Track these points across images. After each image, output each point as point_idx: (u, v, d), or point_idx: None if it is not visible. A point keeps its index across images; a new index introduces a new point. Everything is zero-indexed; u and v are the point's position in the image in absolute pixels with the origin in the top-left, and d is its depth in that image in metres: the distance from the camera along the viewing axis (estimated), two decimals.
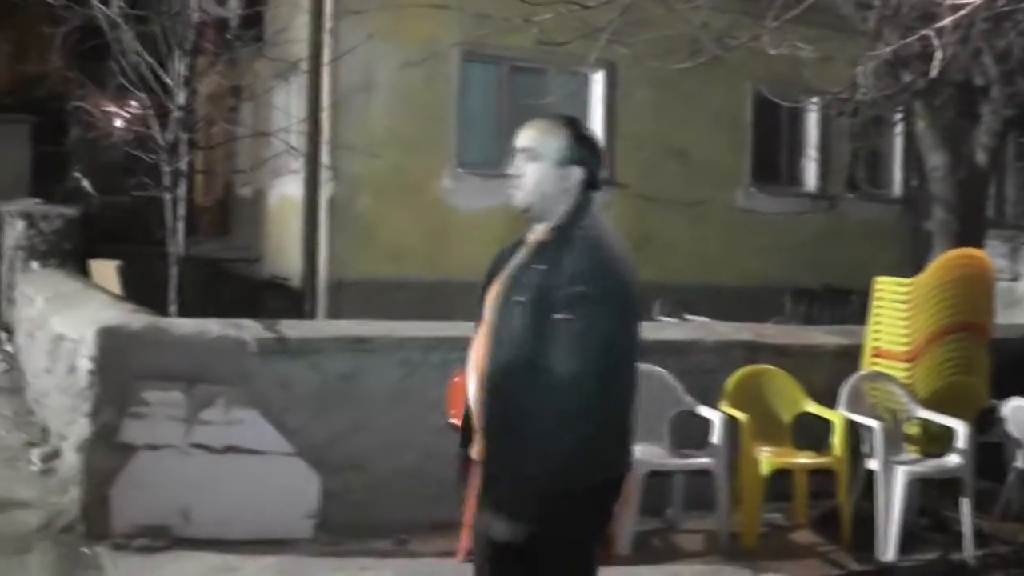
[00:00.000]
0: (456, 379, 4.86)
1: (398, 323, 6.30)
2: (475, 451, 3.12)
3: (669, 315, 10.23)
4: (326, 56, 10.33)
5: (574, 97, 11.27)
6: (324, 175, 10.51)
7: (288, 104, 11.74)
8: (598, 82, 11.73)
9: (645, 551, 5.77)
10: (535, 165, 3.13)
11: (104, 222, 13.68)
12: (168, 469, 5.38)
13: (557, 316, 2.92)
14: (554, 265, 2.99)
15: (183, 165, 7.78)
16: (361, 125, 10.64)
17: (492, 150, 11.29)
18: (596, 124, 11.76)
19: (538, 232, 3.16)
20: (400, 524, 5.63)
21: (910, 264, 12.80)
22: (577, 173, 3.13)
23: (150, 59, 7.82)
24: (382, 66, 10.64)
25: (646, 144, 11.82)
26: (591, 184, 3.17)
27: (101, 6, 7.67)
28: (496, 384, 3.01)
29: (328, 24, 10.29)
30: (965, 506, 6.08)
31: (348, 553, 5.40)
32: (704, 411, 6.13)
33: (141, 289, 8.48)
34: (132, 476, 5.34)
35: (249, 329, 5.67)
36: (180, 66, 7.73)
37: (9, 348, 9.66)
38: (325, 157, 10.49)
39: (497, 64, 11.41)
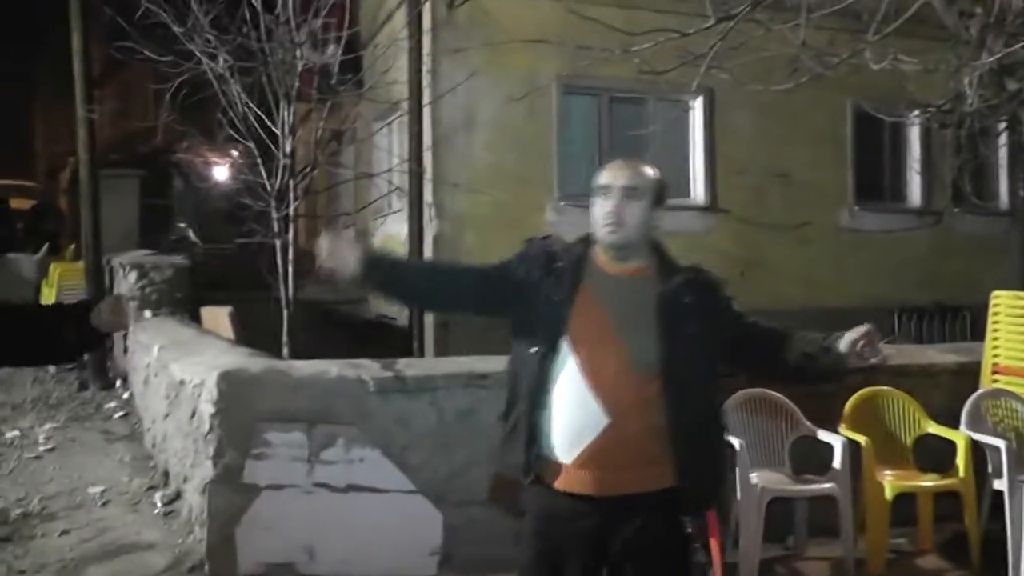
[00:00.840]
0: None
1: None
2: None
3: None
4: (427, 96, 10.46)
5: (674, 125, 11.26)
6: (428, 213, 10.63)
7: (391, 145, 11.93)
8: (697, 109, 11.70)
9: None
10: (637, 204, 3.23)
11: (209, 270, 14.02)
12: (291, 509, 5.47)
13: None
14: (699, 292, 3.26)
15: (291, 211, 7.93)
16: (463, 161, 10.76)
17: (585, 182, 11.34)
18: (697, 151, 11.76)
19: (635, 266, 3.27)
20: None
21: (1021, 277, 12.49)
22: (663, 215, 3.32)
23: (257, 110, 8.00)
24: (483, 102, 10.76)
25: (747, 168, 11.75)
26: None
27: (208, 61, 7.88)
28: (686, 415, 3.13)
29: (428, 64, 10.43)
30: None
31: None
32: (824, 435, 6.03)
33: (251, 334, 8.65)
34: (256, 516, 5.44)
35: (367, 369, 5.75)
36: (286, 114, 7.90)
37: (126, 396, 9.93)
38: (428, 195, 10.61)
39: (597, 95, 11.45)
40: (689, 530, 3.16)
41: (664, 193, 3.32)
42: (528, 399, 3.18)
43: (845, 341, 3.19)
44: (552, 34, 9.26)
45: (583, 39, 8.58)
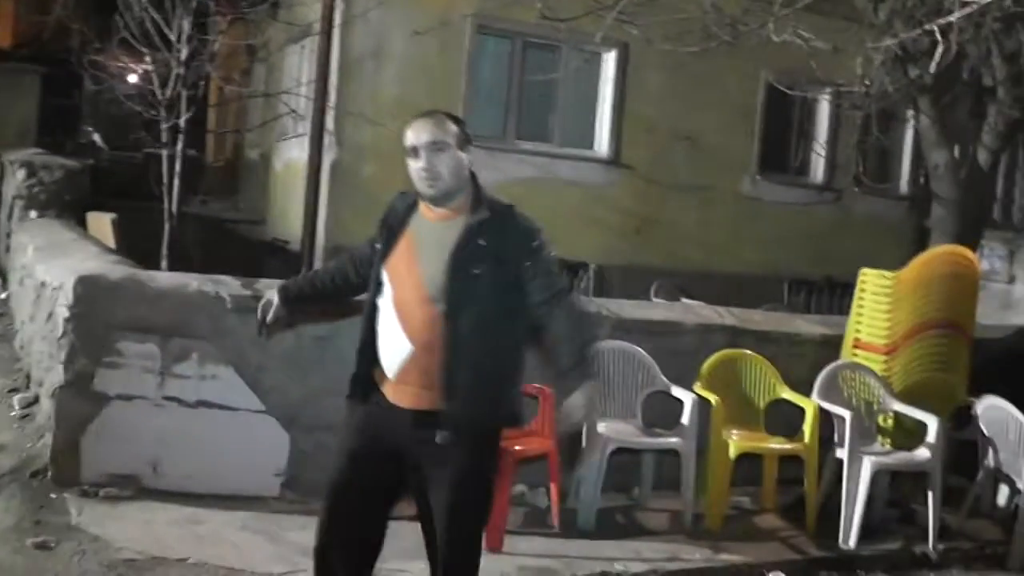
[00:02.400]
0: None
1: None
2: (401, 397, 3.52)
3: (666, 298, 10.22)
4: (337, 20, 10.31)
5: (585, 75, 11.26)
6: (328, 141, 10.52)
7: (300, 68, 11.76)
8: (609, 62, 11.68)
9: (609, 527, 5.82)
10: (446, 155, 3.50)
11: (115, 177, 13.74)
12: (140, 420, 5.43)
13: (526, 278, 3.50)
14: (499, 236, 3.50)
15: (181, 122, 7.80)
16: (369, 93, 10.65)
17: (501, 124, 11.31)
18: (606, 104, 11.76)
19: (451, 209, 3.55)
20: None
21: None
22: (470, 156, 3.59)
23: (156, 15, 7.83)
24: (394, 34, 10.64)
25: (655, 127, 11.80)
26: None
27: None
28: (463, 346, 3.43)
29: None
30: (932, 500, 6.10)
31: (314, 512, 5.43)
32: (677, 392, 6.15)
33: (138, 244, 8.53)
34: (104, 425, 5.39)
35: (227, 286, 5.69)
36: (183, 23, 7.74)
37: (3, 295, 9.73)
38: (330, 123, 10.49)
39: (511, 38, 11.37)
40: (438, 441, 3.44)
41: (468, 137, 3.59)
42: (363, 326, 3.67)
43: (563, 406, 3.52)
44: None
45: None
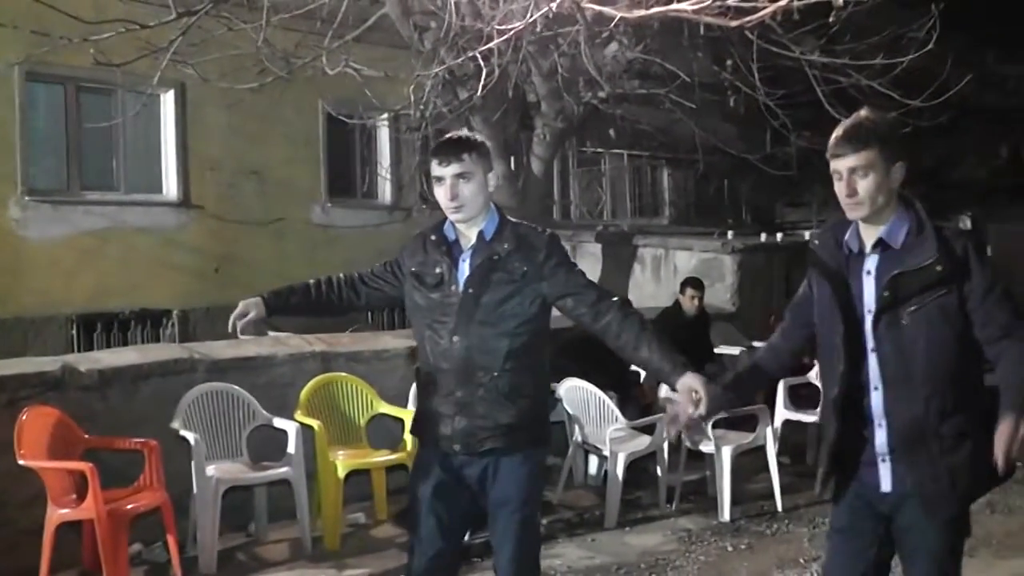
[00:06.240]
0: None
1: None
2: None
3: (254, 333, 10.21)
4: None
5: (145, 118, 11.01)
6: None
7: None
8: (168, 103, 11.47)
9: (230, 567, 5.85)
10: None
11: None
12: None
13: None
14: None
15: None
16: None
17: (64, 175, 10.79)
18: (169, 145, 11.54)
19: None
20: None
21: None
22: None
23: None
24: None
25: (221, 165, 11.73)
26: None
27: None
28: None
29: None
30: None
31: None
32: (280, 423, 6.26)
33: None
34: None
35: None
36: None
37: None
38: None
39: (63, 84, 10.84)
40: None
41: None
42: None
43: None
44: (9, 18, 8.72)
45: (44, 25, 8.22)
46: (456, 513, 3.74)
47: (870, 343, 3.25)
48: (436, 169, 3.66)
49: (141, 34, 8.24)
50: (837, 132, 3.24)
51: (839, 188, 3.22)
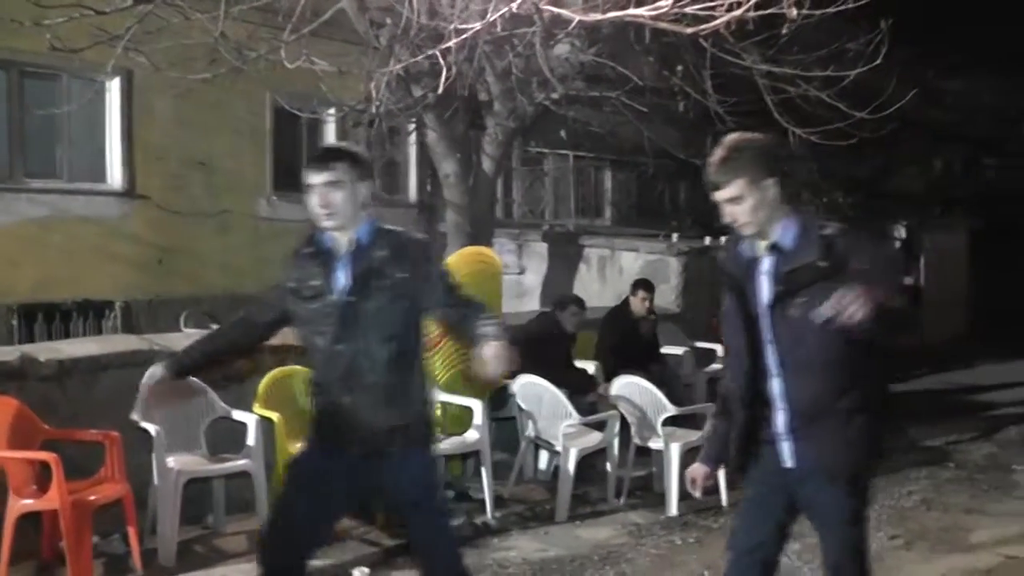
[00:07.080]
0: None
1: None
2: None
3: (196, 326, 10.18)
4: None
5: (90, 105, 10.86)
6: None
7: None
8: (114, 90, 11.33)
9: (188, 559, 5.86)
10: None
11: None
12: None
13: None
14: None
15: None
16: None
17: (7, 161, 10.61)
18: (114, 134, 11.40)
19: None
20: None
21: None
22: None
23: None
24: None
25: (167, 155, 11.59)
26: None
27: None
28: None
29: None
30: (485, 475, 6.77)
31: None
32: (239, 415, 6.28)
33: None
34: None
35: None
36: None
37: None
38: None
39: (6, 69, 10.67)
40: None
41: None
42: None
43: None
44: None
45: None
46: (326, 512, 3.96)
47: (767, 335, 3.56)
48: (308, 177, 3.79)
49: (93, 20, 8.17)
50: (708, 168, 3.55)
51: (725, 216, 3.54)
